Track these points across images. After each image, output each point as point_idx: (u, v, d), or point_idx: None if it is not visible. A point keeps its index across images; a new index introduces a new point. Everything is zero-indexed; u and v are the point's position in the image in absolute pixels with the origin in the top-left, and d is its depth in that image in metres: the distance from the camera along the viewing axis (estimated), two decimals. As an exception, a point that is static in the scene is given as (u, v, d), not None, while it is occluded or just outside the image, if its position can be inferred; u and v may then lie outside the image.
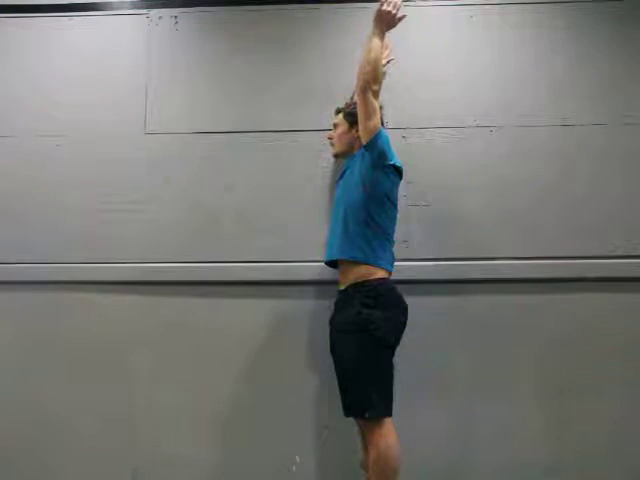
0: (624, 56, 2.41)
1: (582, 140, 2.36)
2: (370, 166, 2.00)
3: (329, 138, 2.23)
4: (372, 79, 1.98)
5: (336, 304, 2.06)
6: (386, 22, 2.06)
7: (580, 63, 2.42)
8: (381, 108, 2.11)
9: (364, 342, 1.88)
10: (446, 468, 2.20)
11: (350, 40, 2.42)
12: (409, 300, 2.00)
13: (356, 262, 1.97)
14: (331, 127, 2.23)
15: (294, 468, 2.22)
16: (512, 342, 2.25)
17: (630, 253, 2.27)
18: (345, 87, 2.28)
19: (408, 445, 1.93)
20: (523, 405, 2.22)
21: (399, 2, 2.07)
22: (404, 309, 1.98)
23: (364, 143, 2.03)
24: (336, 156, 2.26)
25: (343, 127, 2.16)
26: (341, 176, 2.17)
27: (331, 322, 2.06)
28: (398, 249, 2.10)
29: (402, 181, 2.10)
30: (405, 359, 2.11)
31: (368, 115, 2.00)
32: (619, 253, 2.28)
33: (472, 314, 2.27)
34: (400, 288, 2.01)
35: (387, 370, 1.92)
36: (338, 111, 2.21)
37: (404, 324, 1.98)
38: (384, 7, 2.05)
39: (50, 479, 2.28)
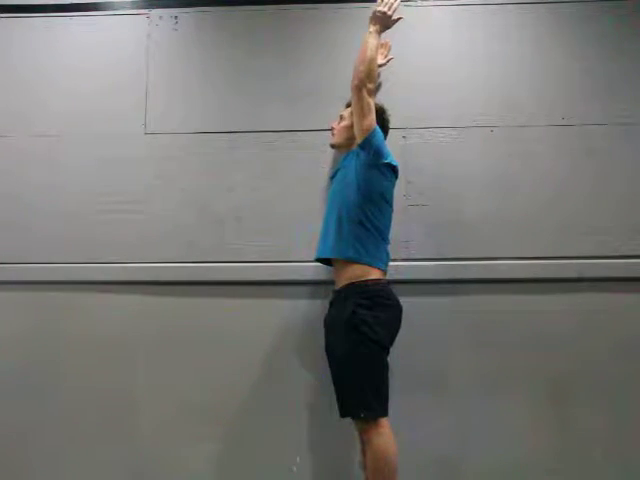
0: (624, 56, 2.41)
1: (582, 140, 2.36)
2: (365, 165, 2.00)
3: (332, 127, 2.22)
4: (367, 77, 1.99)
5: (331, 304, 2.06)
6: (381, 22, 2.08)
7: (580, 63, 2.42)
8: (384, 111, 2.12)
9: (358, 342, 1.87)
10: (445, 468, 2.20)
11: (350, 40, 2.42)
12: (409, 300, 2.00)
13: (350, 262, 1.97)
14: (332, 127, 2.23)
15: (295, 469, 2.22)
16: (512, 342, 2.25)
17: (630, 253, 2.27)
18: (345, 87, 2.27)
19: (406, 445, 1.94)
20: (523, 405, 2.22)
21: (395, 3, 2.10)
22: (399, 309, 1.98)
23: (359, 142, 2.02)
24: (333, 146, 2.25)
25: (347, 121, 2.16)
26: (335, 173, 2.17)
27: (326, 322, 2.06)
28: (398, 249, 2.11)
29: (402, 181, 2.10)
30: (404, 359, 2.12)
31: (363, 113, 2.00)
32: (619, 253, 2.28)
33: (472, 314, 2.27)
34: (400, 288, 2.01)
35: (382, 370, 1.91)
36: (348, 105, 2.19)
37: (399, 324, 1.98)
38: (380, 7, 2.07)
39: (49, 478, 2.28)
